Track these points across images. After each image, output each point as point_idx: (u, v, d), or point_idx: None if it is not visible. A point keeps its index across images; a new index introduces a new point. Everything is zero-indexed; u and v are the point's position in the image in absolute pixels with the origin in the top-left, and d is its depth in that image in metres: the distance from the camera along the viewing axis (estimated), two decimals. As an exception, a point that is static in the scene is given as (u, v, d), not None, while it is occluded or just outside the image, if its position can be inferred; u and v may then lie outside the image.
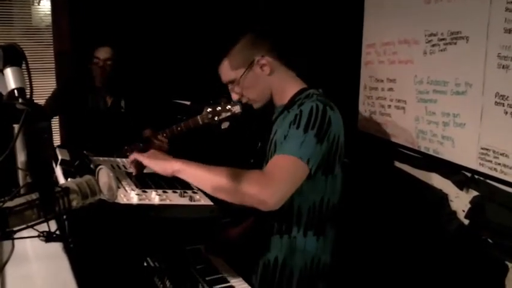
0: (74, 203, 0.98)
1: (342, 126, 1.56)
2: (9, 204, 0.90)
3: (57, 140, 3.13)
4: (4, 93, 1.08)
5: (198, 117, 2.17)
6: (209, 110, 2.11)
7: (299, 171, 1.45)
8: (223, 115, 2.08)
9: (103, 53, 2.82)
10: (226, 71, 1.64)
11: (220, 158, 1.52)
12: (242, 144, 1.90)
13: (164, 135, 2.32)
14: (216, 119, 2.11)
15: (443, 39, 2.47)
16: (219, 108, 2.08)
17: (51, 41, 3.12)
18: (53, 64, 3.16)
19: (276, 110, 1.71)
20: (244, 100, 1.69)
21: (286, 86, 1.65)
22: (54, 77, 3.16)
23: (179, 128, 2.27)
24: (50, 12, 3.08)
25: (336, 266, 1.75)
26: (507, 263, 2.22)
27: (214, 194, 1.42)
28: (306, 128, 1.46)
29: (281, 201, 1.41)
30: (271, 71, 1.62)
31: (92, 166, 1.46)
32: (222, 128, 2.12)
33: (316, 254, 1.64)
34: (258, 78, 1.62)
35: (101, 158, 1.65)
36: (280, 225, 1.64)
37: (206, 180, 1.42)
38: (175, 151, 1.54)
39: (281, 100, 1.66)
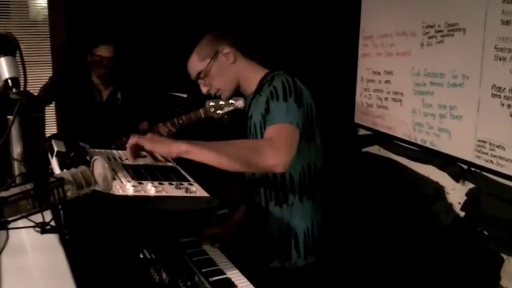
0: (69, 194, 0.98)
1: (311, 97, 1.66)
2: (3, 194, 0.90)
3: (53, 132, 3.12)
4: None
5: (201, 110, 2.18)
6: (212, 103, 2.12)
7: (294, 135, 1.53)
8: (226, 109, 2.10)
9: (106, 52, 2.76)
10: (195, 63, 1.75)
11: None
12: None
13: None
14: (218, 112, 2.12)
15: (440, 31, 2.47)
16: (222, 102, 2.08)
17: (48, 34, 3.11)
18: (50, 57, 3.15)
19: (247, 99, 1.82)
20: (213, 91, 1.78)
21: (251, 74, 1.76)
22: (50, 70, 3.15)
23: (181, 121, 2.27)
24: (46, 5, 3.07)
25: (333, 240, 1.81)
26: (502, 254, 2.23)
27: (228, 168, 1.43)
28: (285, 97, 1.56)
29: (289, 162, 1.47)
30: (234, 59, 1.73)
31: (88, 158, 1.46)
32: (224, 122, 2.13)
33: (315, 216, 1.73)
34: (224, 67, 1.73)
35: (97, 150, 1.64)
36: (277, 196, 1.71)
37: (218, 156, 1.42)
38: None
39: (250, 88, 1.76)
